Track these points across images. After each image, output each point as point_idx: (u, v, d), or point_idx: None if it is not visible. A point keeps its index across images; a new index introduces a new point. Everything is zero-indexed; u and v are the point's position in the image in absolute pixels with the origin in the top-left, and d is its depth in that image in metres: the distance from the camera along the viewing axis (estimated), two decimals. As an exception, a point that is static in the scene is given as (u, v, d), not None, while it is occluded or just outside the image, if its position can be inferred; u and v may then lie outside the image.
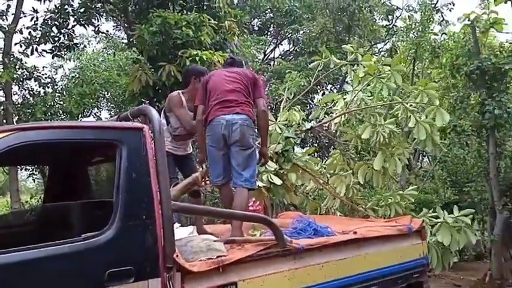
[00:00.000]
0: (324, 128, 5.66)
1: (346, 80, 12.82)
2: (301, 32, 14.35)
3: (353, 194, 4.98)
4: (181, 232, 3.04)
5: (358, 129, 5.08)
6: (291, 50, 17.60)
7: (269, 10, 15.90)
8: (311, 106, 12.94)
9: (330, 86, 14.49)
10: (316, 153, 11.21)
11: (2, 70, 8.63)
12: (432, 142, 4.74)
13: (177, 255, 2.46)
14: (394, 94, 5.15)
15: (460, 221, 4.50)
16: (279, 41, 17.90)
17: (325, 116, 5.49)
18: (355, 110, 5.10)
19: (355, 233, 3.55)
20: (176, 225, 2.98)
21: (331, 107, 5.38)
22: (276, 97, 10.54)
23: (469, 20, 7.13)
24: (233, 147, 3.43)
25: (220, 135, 3.40)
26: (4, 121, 8.68)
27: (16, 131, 2.24)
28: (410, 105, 4.82)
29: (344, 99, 5.15)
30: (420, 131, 4.64)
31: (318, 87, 12.30)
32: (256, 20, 16.65)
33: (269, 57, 18.17)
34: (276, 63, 16.91)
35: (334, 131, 5.45)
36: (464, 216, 4.54)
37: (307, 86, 6.15)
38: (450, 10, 12.19)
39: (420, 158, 12.66)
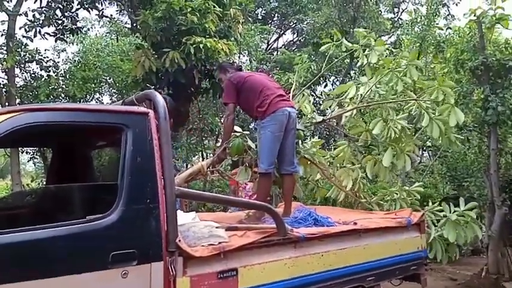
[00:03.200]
0: (334, 121, 5.55)
1: (349, 71, 12.79)
2: (306, 22, 14.26)
3: (359, 188, 4.89)
4: (184, 217, 3.07)
5: (369, 123, 4.95)
6: (294, 40, 17.52)
7: (274, -1, 15.81)
8: (314, 98, 12.90)
9: (332, 77, 14.45)
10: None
11: (5, 53, 8.60)
12: (448, 140, 4.63)
13: (179, 240, 2.49)
14: (408, 89, 4.91)
15: (466, 215, 4.44)
16: (282, 31, 17.81)
17: (334, 108, 5.30)
18: (368, 105, 4.96)
19: (355, 223, 3.59)
20: (179, 211, 3.01)
21: (343, 98, 5.14)
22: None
23: (475, 16, 7.08)
24: (289, 135, 3.82)
25: (284, 124, 3.74)
26: (6, 103, 8.67)
27: (24, 112, 2.25)
28: (424, 102, 4.67)
29: (357, 89, 4.91)
30: (434, 128, 4.50)
31: (321, 78, 12.25)
32: (260, 8, 16.53)
33: (272, 47, 18.10)
34: (279, 53, 16.85)
35: (342, 124, 5.33)
36: (469, 210, 4.49)
37: (316, 72, 5.92)
38: (456, 4, 12.12)
39: (420, 153, 12.69)
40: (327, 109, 5.42)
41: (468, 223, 4.45)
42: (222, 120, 11.91)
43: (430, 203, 4.81)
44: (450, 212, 4.49)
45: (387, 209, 4.73)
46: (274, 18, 17.25)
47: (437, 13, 10.35)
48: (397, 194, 4.85)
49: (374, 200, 4.97)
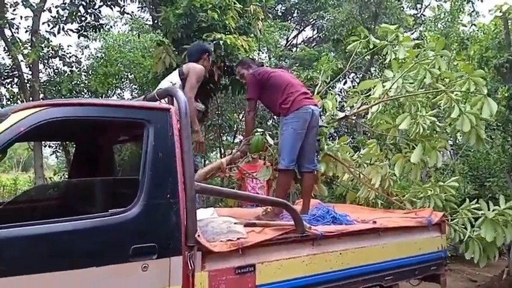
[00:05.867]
0: (354, 118, 5.43)
1: (369, 68, 12.64)
2: (326, 18, 14.14)
3: (389, 186, 4.77)
4: (203, 213, 3.10)
5: (395, 118, 4.79)
6: (314, 36, 17.39)
7: (294, -5, 15.72)
8: (334, 95, 12.80)
9: (352, 74, 14.31)
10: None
11: (29, 49, 8.81)
12: (476, 136, 4.38)
13: (198, 235, 2.51)
14: (436, 81, 4.69)
15: (506, 214, 4.23)
16: (302, 27, 17.71)
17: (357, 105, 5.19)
18: (394, 98, 4.78)
19: (374, 222, 3.56)
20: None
21: (367, 95, 4.99)
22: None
23: (500, 12, 6.93)
24: (311, 133, 3.83)
25: (307, 122, 3.76)
26: (30, 98, 8.89)
27: (49, 107, 2.30)
28: (455, 94, 4.46)
29: (384, 86, 4.74)
30: (464, 122, 4.26)
31: (341, 75, 12.16)
32: (280, 5, 16.47)
33: (291, 43, 18.03)
34: (298, 49, 16.76)
35: (364, 121, 5.22)
36: (509, 208, 4.25)
37: (337, 69, 5.82)
38: (481, 1, 11.87)
39: (441, 152, 12.46)
40: (351, 107, 5.29)
41: (508, 222, 4.22)
42: (240, 117, 11.97)
43: (467, 201, 4.62)
44: (489, 210, 4.29)
45: (421, 207, 4.57)
46: (294, 15, 17.16)
47: (462, 9, 10.16)
48: (430, 190, 4.66)
49: (406, 198, 4.82)
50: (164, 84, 3.87)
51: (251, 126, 4.05)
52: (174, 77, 3.88)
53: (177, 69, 3.96)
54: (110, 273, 2.23)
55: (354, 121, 6.13)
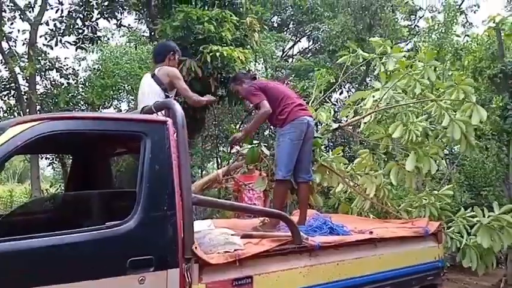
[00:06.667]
0: (350, 128, 5.51)
1: (365, 79, 12.73)
2: (321, 30, 14.29)
3: (384, 195, 4.80)
4: (200, 225, 3.10)
5: (387, 128, 4.83)
6: (310, 47, 17.53)
7: (290, 7, 15.86)
8: (329, 105, 12.87)
9: (348, 84, 14.41)
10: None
11: (26, 61, 8.84)
12: (467, 143, 4.47)
13: (195, 247, 2.51)
14: (427, 91, 4.81)
15: (501, 220, 4.24)
16: (298, 39, 17.85)
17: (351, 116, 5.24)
18: (385, 108, 4.86)
19: (371, 233, 3.57)
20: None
21: (360, 106, 5.11)
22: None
23: (494, 22, 7.01)
24: (307, 143, 3.87)
25: (303, 133, 3.81)
26: (27, 110, 8.90)
27: (46, 120, 2.32)
28: (445, 102, 4.55)
29: (373, 96, 4.86)
30: (455, 129, 4.35)
31: (336, 85, 12.25)
32: (276, 16, 16.63)
33: (287, 54, 18.15)
34: (294, 60, 16.87)
35: (360, 131, 5.27)
36: (504, 214, 4.27)
37: (332, 80, 5.89)
38: (475, 12, 12.02)
39: (437, 161, 12.49)
40: (345, 117, 5.36)
41: (504, 228, 4.24)
42: (237, 127, 12.00)
43: (463, 209, 4.65)
44: (483, 217, 4.31)
45: (416, 216, 4.61)
46: (290, 26, 17.31)
47: (455, 20, 10.27)
48: (425, 199, 4.70)
49: (402, 207, 4.85)
50: (146, 92, 3.66)
51: (261, 121, 4.05)
52: (152, 87, 3.64)
53: (148, 79, 3.73)
54: (106, 286, 2.22)
55: (349, 131, 6.18)
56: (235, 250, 2.71)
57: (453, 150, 9.59)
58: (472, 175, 9.32)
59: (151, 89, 3.62)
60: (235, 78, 4.26)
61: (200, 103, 3.70)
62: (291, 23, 16.92)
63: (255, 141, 4.16)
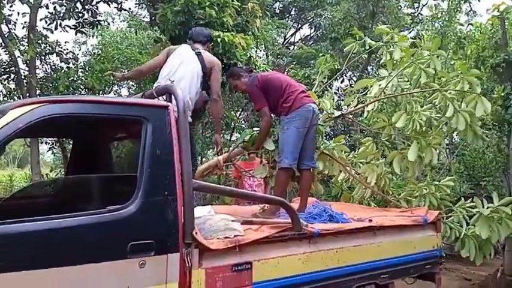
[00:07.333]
0: (351, 116, 5.46)
1: (366, 67, 12.66)
2: (324, 17, 14.16)
3: (385, 184, 4.80)
4: (200, 210, 3.11)
5: (389, 116, 4.83)
6: (311, 35, 17.39)
7: (292, -7, 15.68)
8: (331, 93, 12.82)
9: (349, 72, 14.34)
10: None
11: (26, 45, 8.77)
12: (473, 133, 4.45)
13: (196, 232, 2.53)
14: (432, 81, 4.72)
15: (500, 211, 4.25)
16: (300, 25, 17.70)
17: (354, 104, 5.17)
18: (389, 96, 4.83)
19: (370, 221, 3.58)
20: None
21: (364, 94, 5.05)
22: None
23: (498, 11, 6.94)
24: (311, 130, 3.87)
25: (308, 120, 3.81)
26: (27, 94, 8.85)
27: (47, 103, 2.30)
28: (449, 92, 4.50)
29: (379, 85, 4.79)
30: (459, 120, 4.33)
31: (338, 74, 12.18)
32: (278, 2, 16.45)
33: (289, 41, 18.02)
34: (296, 47, 16.75)
35: (361, 119, 5.24)
36: (503, 205, 4.27)
37: (334, 68, 5.81)
38: (479, 0, 11.89)
39: (438, 151, 12.50)
40: (349, 104, 5.30)
41: (502, 219, 4.26)
42: (237, 114, 11.96)
43: (462, 199, 4.66)
44: (483, 207, 4.32)
45: (416, 205, 4.60)
46: (292, 13, 17.14)
47: (459, 9, 10.18)
48: (426, 189, 4.69)
49: (402, 196, 4.86)
50: (186, 61, 3.52)
51: (267, 132, 3.98)
52: (197, 65, 3.54)
53: (193, 53, 3.60)
54: (107, 270, 2.24)
55: (350, 120, 6.13)
56: (235, 236, 2.73)
57: (453, 140, 9.58)
58: (471, 165, 9.34)
59: (195, 66, 3.53)
60: (232, 73, 4.21)
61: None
62: (293, 9, 16.75)
63: (255, 129, 4.14)
